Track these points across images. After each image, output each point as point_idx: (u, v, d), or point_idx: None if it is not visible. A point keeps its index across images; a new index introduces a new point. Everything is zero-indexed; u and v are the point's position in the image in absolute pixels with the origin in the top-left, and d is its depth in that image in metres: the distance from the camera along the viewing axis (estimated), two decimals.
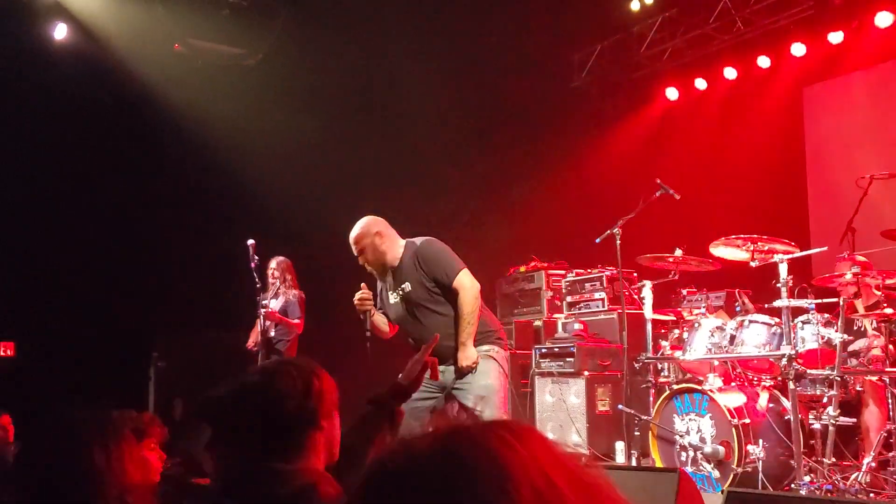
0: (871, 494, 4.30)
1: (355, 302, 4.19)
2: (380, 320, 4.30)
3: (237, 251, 6.37)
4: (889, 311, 4.52)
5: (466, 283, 4.02)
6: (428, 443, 0.80)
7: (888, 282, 4.71)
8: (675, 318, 5.72)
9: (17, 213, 6.74)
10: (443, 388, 4.09)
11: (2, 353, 7.18)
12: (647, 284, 5.49)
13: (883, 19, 7.56)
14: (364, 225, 4.22)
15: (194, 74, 7.36)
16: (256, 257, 6.26)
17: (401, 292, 4.18)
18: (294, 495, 1.73)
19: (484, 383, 3.95)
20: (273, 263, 6.82)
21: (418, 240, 4.25)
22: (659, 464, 5.10)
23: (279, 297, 6.77)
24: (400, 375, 2.75)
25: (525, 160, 8.89)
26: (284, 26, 7.59)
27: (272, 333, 6.66)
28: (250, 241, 6.23)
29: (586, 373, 6.69)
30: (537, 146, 8.97)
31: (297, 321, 6.71)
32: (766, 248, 4.67)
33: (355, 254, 4.23)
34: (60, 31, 6.92)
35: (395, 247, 4.21)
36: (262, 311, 6.39)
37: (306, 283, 6.97)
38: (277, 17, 7.45)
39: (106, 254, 6.97)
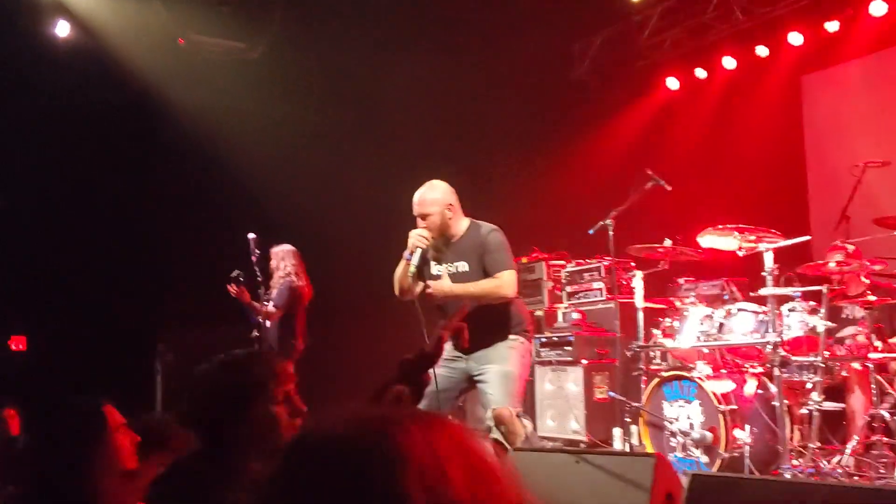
0: (855, 477, 4.39)
1: (412, 236, 4.03)
2: (413, 274, 4.15)
3: (242, 245, 6.49)
4: (872, 298, 4.59)
5: (508, 281, 4.01)
6: (340, 425, 0.89)
7: (874, 269, 4.77)
8: (666, 307, 5.81)
9: (26, 211, 6.90)
10: (468, 375, 4.12)
11: (14, 347, 7.36)
12: (638, 274, 5.58)
13: (877, 8, 7.58)
14: (438, 191, 4.13)
15: (196, 70, 7.47)
16: (257, 251, 6.37)
17: (453, 269, 4.14)
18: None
19: (503, 370, 3.98)
20: (271, 253, 6.76)
21: (487, 226, 4.22)
22: (650, 449, 5.20)
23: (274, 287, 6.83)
24: (426, 344, 2.79)
25: (525, 151, 8.96)
26: (284, 20, 7.68)
27: (267, 324, 6.74)
28: (251, 235, 6.35)
29: (584, 361, 6.80)
30: (538, 137, 9.04)
31: (269, 308, 6.54)
32: (752, 237, 4.74)
33: (416, 214, 4.10)
34: (63, 29, 7.04)
35: (459, 222, 4.18)
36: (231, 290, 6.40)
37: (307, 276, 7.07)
38: (275, 10, 7.54)
39: (112, 248, 7.11)
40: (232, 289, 6.41)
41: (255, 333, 6.69)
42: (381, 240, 7.42)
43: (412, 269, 4.05)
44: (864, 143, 8.08)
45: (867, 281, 5.15)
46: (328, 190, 7.55)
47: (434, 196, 4.09)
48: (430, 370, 2.73)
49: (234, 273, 6.35)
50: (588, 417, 6.72)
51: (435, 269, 4.16)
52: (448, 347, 4.21)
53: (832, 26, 8.03)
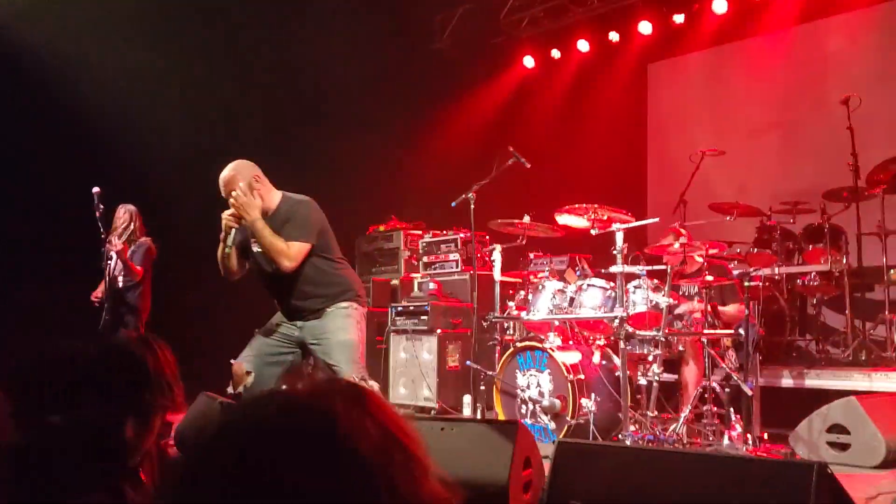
0: (687, 443, 4.78)
1: (224, 217, 3.98)
2: (233, 254, 4.11)
3: (81, 199, 6.08)
4: (709, 277, 4.98)
5: (293, 252, 3.93)
6: (271, 404, 0.86)
7: (711, 252, 5.17)
8: (521, 280, 6.03)
9: None
10: (300, 344, 4.12)
11: None
12: (497, 248, 5.75)
13: (719, 6, 8.12)
14: (239, 167, 4.03)
15: (42, 4, 6.88)
16: (101, 206, 6.00)
17: None
18: None
19: (342, 339, 3.99)
20: (121, 211, 6.49)
21: (297, 197, 4.12)
22: (502, 416, 5.41)
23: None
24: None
25: (386, 119, 8.93)
26: None
27: (120, 284, 6.44)
28: (95, 189, 5.97)
29: (439, 330, 6.95)
30: (398, 105, 9.03)
31: (138, 268, 6.40)
32: (604, 217, 5.00)
33: (224, 196, 4.01)
34: None
35: (270, 196, 4.07)
36: (110, 246, 6.14)
37: (156, 235, 6.76)
38: None
39: None
40: (113, 245, 6.08)
41: (99, 295, 6.33)
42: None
43: (227, 249, 4.07)
44: (702, 131, 8.70)
45: (700, 260, 5.56)
46: (180, 143, 7.20)
47: (234, 173, 4.02)
48: None
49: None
50: (440, 385, 6.89)
51: (256, 246, 4.09)
52: (279, 316, 4.22)
53: (679, 18, 8.53)
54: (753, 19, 8.38)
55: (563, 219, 5.30)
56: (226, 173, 4.03)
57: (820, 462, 2.32)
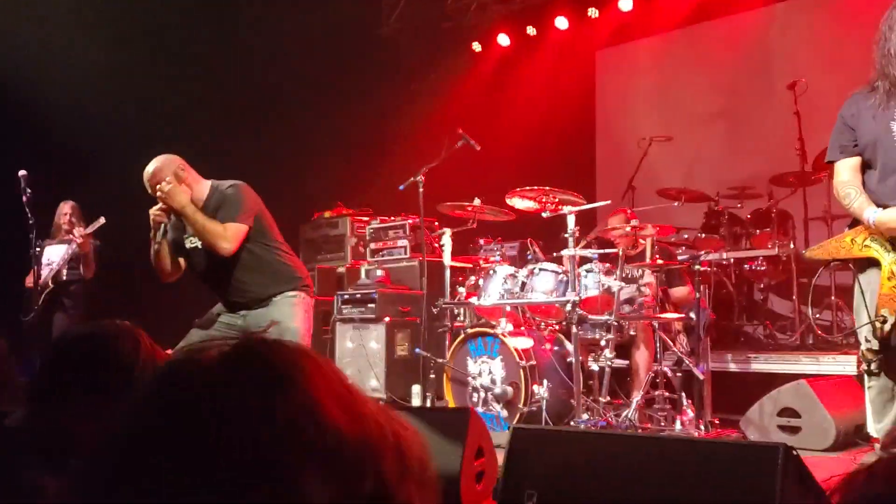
0: (639, 429, 4.72)
1: (152, 213, 3.84)
2: (166, 252, 3.97)
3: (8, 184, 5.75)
4: (661, 261, 4.92)
5: (230, 234, 3.76)
6: (216, 354, 0.77)
7: (658, 234, 5.12)
8: (472, 266, 5.91)
9: None
10: (244, 332, 3.94)
11: None
12: (447, 232, 5.61)
13: None
14: (163, 161, 3.87)
15: None
16: (29, 190, 5.66)
17: None
18: None
19: (288, 326, 3.85)
20: (67, 208, 6.35)
21: (227, 182, 3.96)
22: (452, 405, 5.28)
23: (70, 243, 6.25)
24: None
25: (332, 104, 8.73)
26: None
27: (64, 276, 6.18)
28: (22, 172, 5.64)
29: (387, 318, 6.78)
30: (345, 90, 8.83)
31: (91, 264, 6.35)
32: (556, 199, 4.90)
33: (151, 192, 3.85)
34: None
35: (198, 186, 3.91)
36: (73, 237, 5.95)
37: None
38: None
39: None
40: (75, 237, 5.84)
41: (33, 280, 5.95)
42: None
43: (155, 246, 3.93)
44: (650, 118, 8.68)
45: (643, 242, 5.50)
46: (121, 133, 6.90)
47: (160, 166, 3.87)
48: None
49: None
50: (388, 374, 6.73)
51: (190, 241, 3.93)
52: (220, 306, 4.07)
53: (625, 5, 8.50)
54: (701, 6, 8.38)
55: (514, 202, 5.18)
56: (149, 168, 3.87)
57: (785, 444, 2.24)
